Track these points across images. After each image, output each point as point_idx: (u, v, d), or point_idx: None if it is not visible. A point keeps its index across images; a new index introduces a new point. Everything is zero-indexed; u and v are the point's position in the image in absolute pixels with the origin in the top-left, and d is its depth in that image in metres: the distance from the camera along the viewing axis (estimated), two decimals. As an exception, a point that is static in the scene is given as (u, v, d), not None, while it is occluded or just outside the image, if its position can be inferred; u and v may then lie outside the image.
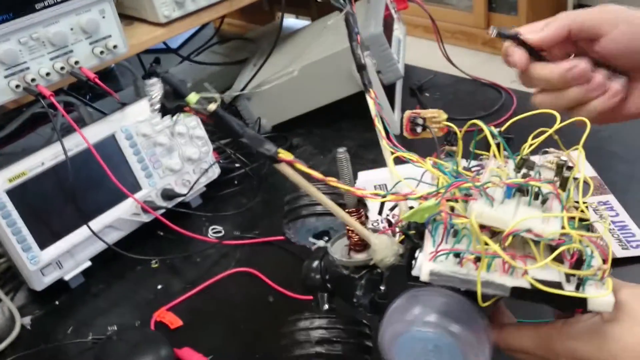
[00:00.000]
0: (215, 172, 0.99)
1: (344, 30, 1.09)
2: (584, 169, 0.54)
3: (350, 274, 0.57)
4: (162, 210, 0.91)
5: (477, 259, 0.45)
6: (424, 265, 0.47)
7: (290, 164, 0.48)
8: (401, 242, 0.54)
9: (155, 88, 0.47)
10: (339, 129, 1.15)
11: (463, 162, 0.58)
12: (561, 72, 0.55)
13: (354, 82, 1.06)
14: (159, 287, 0.85)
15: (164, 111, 0.47)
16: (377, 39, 1.03)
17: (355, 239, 0.57)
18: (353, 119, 1.14)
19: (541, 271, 0.45)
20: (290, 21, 1.53)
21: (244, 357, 0.74)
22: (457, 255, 0.46)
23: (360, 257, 0.57)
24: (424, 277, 0.46)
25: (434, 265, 0.46)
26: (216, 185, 1.00)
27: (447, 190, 0.48)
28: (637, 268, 0.76)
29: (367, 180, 0.97)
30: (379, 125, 0.58)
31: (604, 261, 0.46)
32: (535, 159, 0.55)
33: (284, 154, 0.47)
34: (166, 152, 0.93)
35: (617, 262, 0.76)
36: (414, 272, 0.48)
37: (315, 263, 0.61)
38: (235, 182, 1.03)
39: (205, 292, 0.83)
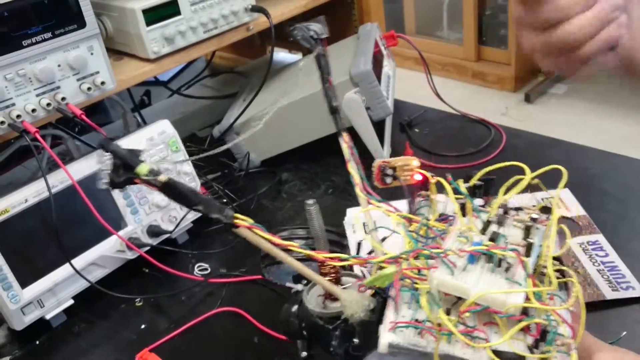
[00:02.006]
0: (202, 208, 0.98)
1: (332, 67, 1.09)
2: (555, 222, 0.52)
3: (325, 325, 0.56)
4: (148, 248, 0.90)
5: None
6: (382, 337, 0.46)
7: (249, 229, 0.47)
8: (373, 295, 0.53)
9: (106, 163, 0.46)
10: (327, 164, 1.15)
11: (441, 208, 0.57)
12: None
13: (342, 119, 1.05)
14: (143, 326, 0.84)
15: (113, 185, 0.46)
16: (366, 76, 1.03)
17: None
18: (341, 154, 1.13)
19: (506, 344, 0.44)
20: (282, 55, 1.54)
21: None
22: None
23: (335, 305, 0.56)
24: (383, 349, 0.46)
25: (393, 337, 0.46)
26: (203, 221, 0.99)
27: (408, 257, 0.48)
28: (627, 310, 0.75)
29: (355, 217, 0.97)
30: (352, 171, 0.57)
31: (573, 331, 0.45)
32: (522, 197, 0.54)
33: (241, 220, 0.47)
34: (153, 188, 0.92)
35: (607, 304, 0.75)
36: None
37: (294, 308, 0.60)
38: (223, 218, 1.02)
39: (189, 331, 0.82)
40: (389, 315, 0.47)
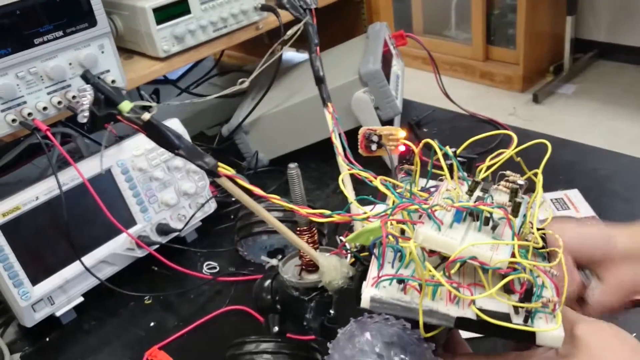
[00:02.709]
0: (211, 206, 0.98)
1: (342, 66, 1.09)
2: (540, 193, 0.51)
3: (300, 296, 0.54)
4: (157, 246, 0.90)
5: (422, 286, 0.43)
6: (364, 291, 0.44)
7: (230, 178, 0.45)
8: (353, 264, 0.52)
9: (86, 95, 0.44)
10: (336, 163, 1.14)
11: (422, 182, 0.56)
12: None
13: (351, 118, 1.06)
14: (152, 324, 0.84)
15: (93, 119, 0.45)
16: (375, 75, 1.03)
17: (307, 259, 0.56)
18: (351, 149, 1.14)
19: (490, 301, 0.43)
20: (290, 54, 1.54)
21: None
22: (401, 281, 0.44)
23: (311, 278, 0.55)
24: (365, 303, 0.44)
25: (375, 292, 0.44)
26: (212, 219, 0.99)
27: (392, 212, 0.46)
28: (636, 312, 0.75)
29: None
30: (335, 141, 0.56)
31: (557, 293, 0.44)
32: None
33: (224, 168, 0.45)
34: (162, 187, 0.92)
35: (617, 306, 0.75)
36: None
37: (267, 282, 0.59)
38: (232, 216, 1.03)
39: (198, 330, 0.82)
40: (372, 271, 0.45)
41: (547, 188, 0.54)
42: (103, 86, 0.44)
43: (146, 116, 0.43)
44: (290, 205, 0.48)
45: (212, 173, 0.45)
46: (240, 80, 0.65)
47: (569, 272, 0.52)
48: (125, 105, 0.43)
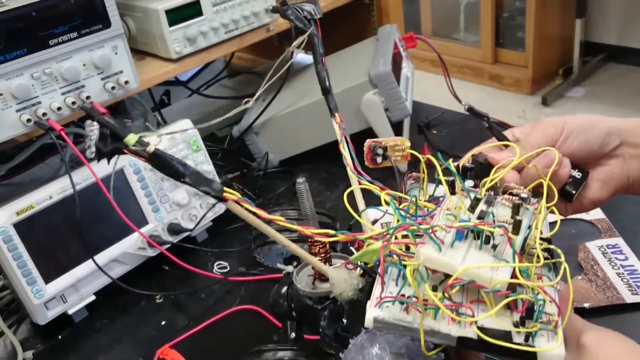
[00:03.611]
0: (222, 207, 0.99)
1: (352, 68, 1.10)
2: (544, 204, 0.52)
3: (314, 305, 0.55)
4: (168, 245, 0.91)
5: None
6: (368, 312, 0.45)
7: (237, 202, 0.47)
8: (363, 274, 0.52)
9: (93, 130, 0.46)
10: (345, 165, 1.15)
11: (431, 187, 0.56)
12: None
13: (361, 119, 1.06)
14: (163, 322, 0.85)
15: (100, 155, 0.46)
16: (386, 77, 1.03)
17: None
18: (359, 155, 1.14)
19: (492, 319, 0.44)
20: (300, 56, 1.55)
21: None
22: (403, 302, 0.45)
23: (324, 287, 0.56)
24: (368, 324, 0.45)
25: (378, 312, 0.45)
26: (223, 220, 1.00)
27: (393, 233, 0.47)
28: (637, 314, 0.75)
29: (373, 218, 0.97)
30: (344, 152, 0.57)
31: (559, 310, 0.44)
32: None
33: (230, 193, 0.46)
34: (173, 187, 0.93)
35: (626, 308, 0.75)
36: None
37: (284, 289, 0.60)
38: (242, 217, 1.03)
39: (209, 329, 0.83)
40: (376, 291, 0.46)
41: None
42: (108, 121, 0.45)
43: (151, 148, 0.45)
44: (296, 227, 0.50)
45: (218, 198, 0.46)
46: (245, 100, 0.67)
47: (563, 166, 0.55)
48: (131, 139, 0.45)
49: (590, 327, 0.47)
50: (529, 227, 0.50)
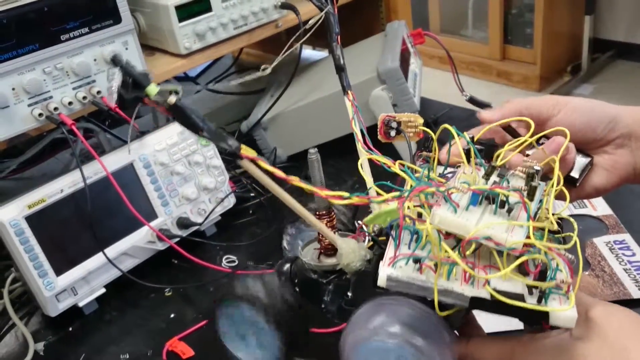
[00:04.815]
0: (230, 201, 1.00)
1: (360, 64, 1.10)
2: (556, 179, 0.52)
3: (319, 279, 0.55)
4: (177, 239, 0.92)
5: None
6: (381, 270, 0.45)
7: (252, 160, 0.47)
8: (371, 247, 0.53)
9: (115, 77, 0.46)
10: (354, 160, 1.14)
11: (440, 169, 0.57)
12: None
13: (369, 115, 1.07)
14: (172, 315, 0.86)
15: (121, 101, 0.46)
16: (394, 73, 1.04)
17: (326, 243, 0.57)
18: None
19: (504, 282, 0.44)
20: (308, 52, 1.55)
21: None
22: (417, 261, 0.45)
23: (330, 261, 0.56)
24: (381, 282, 0.45)
25: (391, 271, 0.45)
26: (231, 214, 1.01)
27: (410, 194, 0.47)
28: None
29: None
30: (355, 128, 0.57)
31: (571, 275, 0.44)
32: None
33: (247, 151, 0.46)
34: (183, 181, 0.94)
35: (633, 303, 0.75)
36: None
37: (286, 266, 0.60)
38: (250, 211, 1.04)
39: (217, 322, 0.83)
40: (389, 251, 0.46)
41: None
42: (131, 69, 0.46)
43: (172, 99, 0.45)
44: (310, 187, 0.49)
45: (235, 155, 0.46)
46: (263, 66, 0.66)
47: (569, 151, 0.56)
48: (152, 89, 0.45)
49: (597, 302, 0.47)
50: (540, 201, 0.50)
